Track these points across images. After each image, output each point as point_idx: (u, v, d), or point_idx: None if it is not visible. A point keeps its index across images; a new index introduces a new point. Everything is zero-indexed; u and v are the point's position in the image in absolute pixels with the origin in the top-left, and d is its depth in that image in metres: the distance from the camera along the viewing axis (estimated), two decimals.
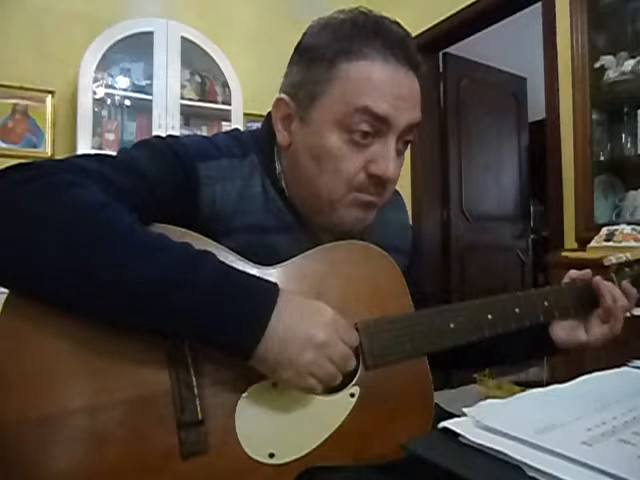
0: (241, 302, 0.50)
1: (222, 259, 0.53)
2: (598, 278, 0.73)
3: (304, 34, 0.65)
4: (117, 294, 0.48)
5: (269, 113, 0.68)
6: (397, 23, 0.63)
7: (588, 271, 0.75)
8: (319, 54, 0.61)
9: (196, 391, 0.51)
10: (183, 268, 0.49)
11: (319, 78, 0.61)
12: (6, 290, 0.49)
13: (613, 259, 0.76)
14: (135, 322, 0.49)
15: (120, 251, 0.48)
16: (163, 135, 0.65)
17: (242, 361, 0.51)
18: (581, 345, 0.72)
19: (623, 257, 0.76)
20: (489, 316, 0.66)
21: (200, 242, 0.56)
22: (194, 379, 0.52)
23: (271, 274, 0.58)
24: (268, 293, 0.52)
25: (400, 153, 0.65)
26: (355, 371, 0.59)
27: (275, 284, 0.53)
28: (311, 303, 0.55)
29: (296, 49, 0.65)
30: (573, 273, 0.76)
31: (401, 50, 0.60)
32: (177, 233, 0.55)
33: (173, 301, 0.48)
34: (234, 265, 0.53)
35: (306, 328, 0.51)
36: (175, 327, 0.49)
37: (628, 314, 0.73)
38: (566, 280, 0.76)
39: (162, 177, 0.58)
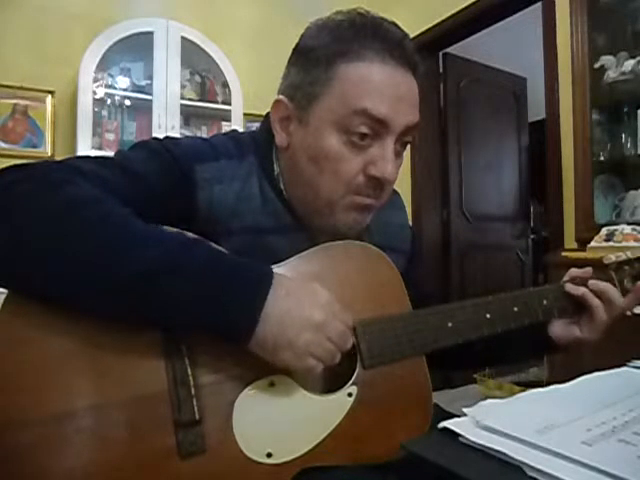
0: (237, 284, 0.50)
1: None
2: (568, 285, 0.71)
3: (302, 35, 0.65)
4: (112, 284, 0.47)
5: (267, 114, 0.68)
6: (395, 24, 0.63)
7: (589, 269, 0.75)
8: (317, 55, 0.61)
9: (193, 391, 0.51)
10: (178, 253, 0.49)
11: (317, 79, 0.61)
12: (5, 290, 0.49)
13: (613, 257, 0.76)
14: (133, 312, 0.49)
15: (114, 240, 0.48)
16: (161, 137, 0.64)
17: (242, 344, 0.51)
18: (577, 340, 0.72)
19: (623, 255, 0.76)
20: (487, 315, 0.66)
21: None
22: (191, 379, 0.52)
23: None
24: (263, 276, 0.52)
25: (399, 154, 0.65)
26: (353, 371, 0.59)
27: (270, 268, 0.53)
28: (306, 285, 0.55)
29: (294, 50, 0.65)
30: (573, 271, 0.76)
31: (399, 51, 0.60)
32: None
33: (170, 286, 0.48)
34: None
35: (303, 309, 0.52)
36: (173, 312, 0.49)
37: (628, 312, 0.73)
38: (566, 278, 0.76)
39: (159, 179, 0.58)
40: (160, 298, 0.48)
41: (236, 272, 0.51)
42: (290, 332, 0.51)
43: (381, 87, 0.59)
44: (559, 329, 0.73)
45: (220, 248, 0.57)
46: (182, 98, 2.46)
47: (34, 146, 2.34)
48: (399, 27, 0.63)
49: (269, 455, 0.53)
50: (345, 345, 0.55)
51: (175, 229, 0.56)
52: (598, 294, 0.70)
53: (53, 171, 0.52)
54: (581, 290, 0.70)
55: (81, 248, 0.47)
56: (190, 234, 0.56)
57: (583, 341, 0.71)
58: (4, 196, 0.49)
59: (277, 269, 0.59)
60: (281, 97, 0.64)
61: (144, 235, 0.50)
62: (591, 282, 0.71)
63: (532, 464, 0.35)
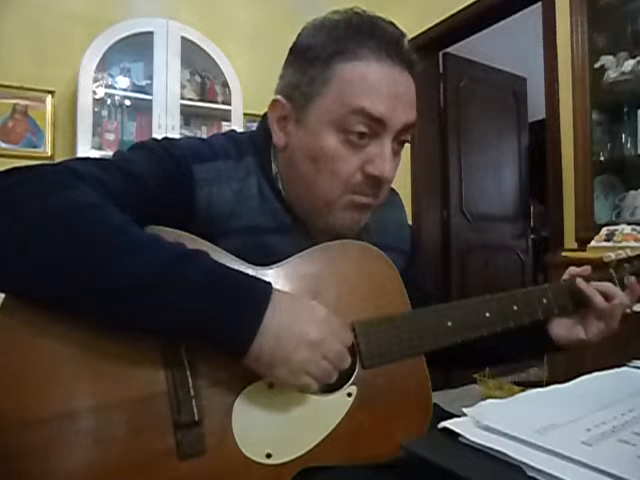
0: (235, 299, 0.50)
1: (218, 260, 0.53)
2: (579, 280, 0.72)
3: (299, 35, 0.65)
4: (109, 292, 0.47)
5: (265, 114, 0.68)
6: (392, 23, 0.63)
7: (587, 267, 0.75)
8: (314, 55, 0.61)
9: (192, 392, 0.51)
10: (176, 265, 0.49)
11: (314, 79, 0.61)
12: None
13: (612, 255, 0.76)
14: (130, 321, 0.49)
15: (111, 248, 0.48)
16: (159, 137, 0.64)
17: (237, 359, 0.51)
18: (580, 342, 0.72)
19: (623, 253, 0.76)
20: (487, 314, 0.66)
21: (196, 243, 0.56)
22: (190, 380, 0.52)
23: (267, 274, 0.58)
24: (262, 291, 0.52)
25: (396, 153, 0.65)
26: (352, 370, 0.58)
27: (269, 283, 0.53)
28: (304, 302, 0.55)
29: (291, 50, 0.65)
30: (572, 270, 0.76)
31: (396, 50, 0.60)
32: (173, 235, 0.55)
33: (166, 297, 0.48)
34: (230, 266, 0.53)
35: (300, 326, 0.51)
36: (168, 324, 0.49)
37: (628, 310, 0.73)
38: (565, 277, 0.76)
39: (158, 179, 0.58)
40: (155, 307, 0.48)
41: (235, 286, 0.51)
42: (286, 349, 0.50)
43: (378, 86, 0.59)
44: (561, 330, 0.73)
45: (221, 251, 0.57)
46: (182, 98, 2.46)
47: (34, 146, 2.34)
48: (396, 26, 0.63)
49: (269, 456, 0.53)
50: (342, 364, 0.55)
51: (172, 230, 0.56)
52: (607, 297, 0.70)
53: (51, 174, 0.51)
54: (592, 290, 0.70)
55: (76, 254, 0.47)
56: (189, 236, 0.55)
57: (587, 343, 0.72)
58: (1, 198, 0.49)
59: (276, 269, 0.59)
60: (278, 97, 0.64)
61: (143, 243, 0.50)
62: (598, 284, 0.71)
63: (532, 464, 0.35)
